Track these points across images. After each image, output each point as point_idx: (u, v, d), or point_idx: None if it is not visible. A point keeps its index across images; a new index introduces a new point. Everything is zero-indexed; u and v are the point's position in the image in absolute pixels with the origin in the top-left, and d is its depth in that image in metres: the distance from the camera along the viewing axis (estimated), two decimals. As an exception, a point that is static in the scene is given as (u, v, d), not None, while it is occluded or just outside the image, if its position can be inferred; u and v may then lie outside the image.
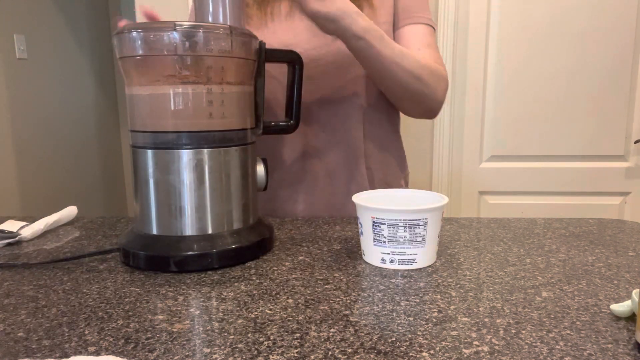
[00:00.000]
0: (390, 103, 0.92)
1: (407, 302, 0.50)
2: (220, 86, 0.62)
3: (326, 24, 0.70)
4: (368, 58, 0.75)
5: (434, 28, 0.90)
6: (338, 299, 0.51)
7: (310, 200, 0.90)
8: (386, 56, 0.75)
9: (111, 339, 0.43)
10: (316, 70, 0.84)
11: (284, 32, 0.85)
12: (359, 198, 0.64)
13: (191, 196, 0.61)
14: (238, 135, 0.65)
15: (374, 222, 0.60)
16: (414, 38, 0.86)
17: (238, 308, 0.50)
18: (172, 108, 0.61)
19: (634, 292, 0.45)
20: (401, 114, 0.96)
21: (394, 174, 0.96)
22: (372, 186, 0.92)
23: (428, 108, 0.86)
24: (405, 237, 0.59)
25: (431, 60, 0.84)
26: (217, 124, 0.63)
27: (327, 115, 0.88)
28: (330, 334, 0.44)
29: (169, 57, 0.60)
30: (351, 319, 0.47)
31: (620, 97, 1.85)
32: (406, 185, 1.01)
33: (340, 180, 0.90)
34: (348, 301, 0.51)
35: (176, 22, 0.60)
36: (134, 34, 0.60)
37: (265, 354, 0.41)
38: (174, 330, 0.45)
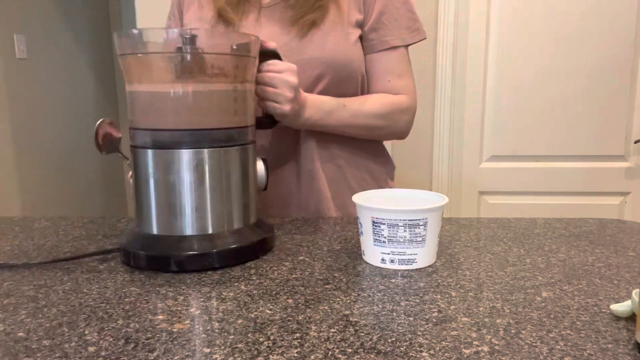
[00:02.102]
0: None
1: (407, 302, 0.50)
2: (223, 84, 0.62)
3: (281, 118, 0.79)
4: (320, 129, 0.86)
5: (407, 46, 0.92)
6: (338, 299, 0.51)
7: (285, 202, 0.91)
8: (335, 125, 0.86)
9: (111, 339, 0.43)
10: None
11: None
12: (359, 198, 0.64)
13: (191, 196, 0.61)
14: (240, 133, 0.65)
15: (374, 222, 0.60)
16: (385, 69, 0.91)
17: (238, 308, 0.50)
18: (174, 106, 0.61)
19: (634, 292, 0.45)
20: None
21: (376, 171, 0.96)
22: (350, 184, 0.93)
23: (393, 138, 0.96)
24: (405, 237, 0.59)
25: (392, 98, 0.90)
26: (220, 122, 0.63)
27: (285, 145, 0.89)
28: (330, 334, 0.44)
29: (170, 55, 0.60)
30: (351, 319, 0.47)
31: (620, 97, 1.85)
32: (392, 181, 1.01)
33: (313, 180, 0.90)
34: (348, 301, 0.51)
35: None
36: (135, 31, 0.60)
37: (265, 354, 0.41)
38: (174, 330, 0.45)
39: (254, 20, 0.87)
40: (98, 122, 0.68)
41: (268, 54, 0.74)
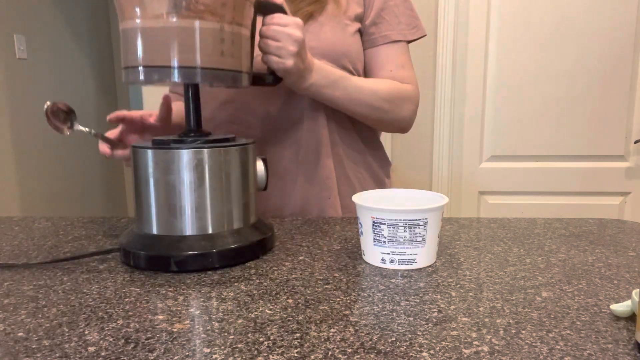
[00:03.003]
0: None
1: (407, 302, 0.50)
2: (220, 24, 0.62)
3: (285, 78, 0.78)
4: (321, 100, 0.84)
5: (408, 42, 0.92)
6: (338, 299, 0.51)
7: (284, 200, 0.91)
8: (338, 97, 0.83)
9: (111, 339, 0.43)
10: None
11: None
12: (359, 198, 0.64)
13: (191, 196, 0.61)
14: (231, 76, 0.65)
15: (374, 222, 0.60)
16: (387, 60, 0.90)
17: (238, 308, 0.50)
18: (169, 42, 0.60)
19: (634, 292, 0.45)
20: None
21: (372, 167, 0.96)
22: (346, 182, 0.92)
23: (396, 128, 0.93)
24: (405, 237, 0.59)
25: (397, 84, 0.89)
26: (212, 61, 0.62)
27: (290, 114, 0.88)
28: (330, 334, 0.44)
29: None
30: (351, 319, 0.47)
31: (620, 97, 1.85)
32: (388, 178, 1.01)
33: (308, 178, 0.90)
34: (348, 301, 0.51)
35: None
36: None
37: (265, 354, 0.41)
38: (174, 330, 0.45)
39: None
40: (45, 107, 0.71)
41: (274, 9, 0.73)
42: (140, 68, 0.62)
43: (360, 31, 0.90)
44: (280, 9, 0.73)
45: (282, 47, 0.72)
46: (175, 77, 0.61)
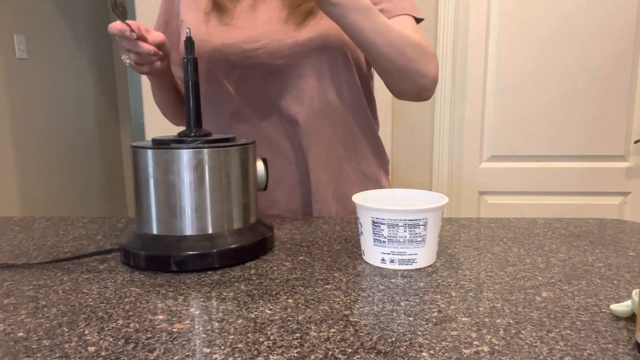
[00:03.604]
0: (362, 91, 0.92)
1: (407, 302, 0.50)
2: None
3: None
4: (346, 27, 0.76)
5: (416, 18, 0.88)
6: (338, 299, 0.51)
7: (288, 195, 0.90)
8: (365, 28, 0.76)
9: (111, 339, 0.43)
10: (283, 61, 0.85)
11: (250, 27, 0.86)
12: (359, 198, 0.64)
13: (191, 196, 0.61)
14: None
15: (374, 222, 0.60)
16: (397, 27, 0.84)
17: (238, 308, 0.50)
18: None
19: (634, 292, 0.45)
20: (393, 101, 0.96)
21: (370, 163, 0.96)
22: (345, 175, 0.92)
23: (420, 86, 0.84)
24: (405, 237, 0.59)
25: (422, 40, 0.83)
26: None
27: (293, 105, 0.88)
28: (330, 334, 0.44)
29: None
30: (351, 319, 0.47)
31: (620, 97, 1.85)
32: (386, 174, 1.00)
33: (315, 178, 0.90)
34: (348, 301, 0.51)
35: None
36: None
37: (265, 354, 0.41)
38: (174, 330, 0.45)
39: (249, 6, 0.87)
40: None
41: None
42: None
43: None
44: None
45: None
46: None
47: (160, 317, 0.48)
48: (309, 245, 0.70)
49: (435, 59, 0.86)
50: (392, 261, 0.60)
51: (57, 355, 0.41)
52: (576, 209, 1.92)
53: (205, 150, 0.61)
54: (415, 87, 0.85)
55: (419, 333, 0.44)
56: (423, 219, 0.58)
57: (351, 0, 0.74)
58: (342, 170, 0.92)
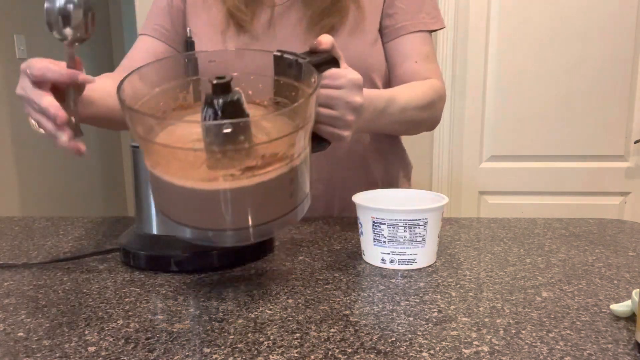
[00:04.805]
0: None
1: (407, 302, 0.50)
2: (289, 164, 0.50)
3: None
4: (367, 131, 0.81)
5: (431, 31, 0.87)
6: (338, 299, 0.51)
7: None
8: (384, 124, 0.75)
9: (111, 339, 0.43)
10: None
11: (268, 47, 0.81)
12: (359, 198, 0.64)
13: (191, 196, 0.61)
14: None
15: (374, 222, 0.60)
16: (412, 50, 0.84)
17: (238, 308, 0.50)
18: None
19: (634, 292, 0.45)
20: None
21: (395, 170, 0.95)
22: (373, 183, 0.91)
23: (427, 129, 0.86)
24: (405, 237, 0.59)
25: (430, 85, 0.81)
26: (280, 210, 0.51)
27: None
28: (330, 334, 0.44)
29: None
30: (351, 319, 0.47)
31: (620, 97, 1.85)
32: (409, 182, 0.99)
33: (341, 178, 0.89)
34: (348, 301, 0.51)
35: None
36: None
37: (265, 354, 0.41)
38: (174, 330, 0.45)
39: (267, 21, 0.82)
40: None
41: (324, 61, 0.59)
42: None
43: (380, 31, 0.84)
44: (332, 61, 0.59)
45: (338, 117, 0.60)
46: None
47: (160, 317, 0.48)
48: (309, 245, 0.70)
49: (444, 97, 0.85)
50: (392, 261, 0.60)
51: (57, 355, 0.41)
52: (576, 209, 1.92)
53: (205, 150, 0.61)
54: (423, 131, 0.87)
55: (419, 333, 0.44)
56: (423, 219, 0.58)
57: (370, 114, 0.67)
58: (369, 173, 0.90)
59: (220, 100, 0.47)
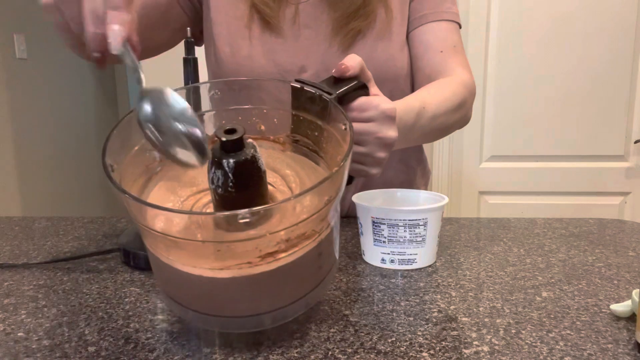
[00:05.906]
0: None
1: (407, 302, 0.50)
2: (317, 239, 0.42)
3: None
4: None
5: (459, 24, 0.82)
6: (338, 299, 0.51)
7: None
8: (414, 139, 0.70)
9: (111, 339, 0.43)
10: None
11: (293, 45, 0.77)
12: (359, 198, 0.64)
13: (191, 196, 0.61)
14: None
15: (374, 222, 0.60)
16: (435, 39, 0.78)
17: (238, 308, 0.50)
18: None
19: (634, 292, 0.45)
20: None
21: (414, 177, 0.93)
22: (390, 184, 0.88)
23: (458, 129, 0.81)
24: (405, 237, 0.59)
25: (458, 83, 0.75)
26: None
27: None
28: (330, 334, 0.44)
29: None
30: (351, 319, 0.47)
31: (620, 97, 1.85)
32: (425, 187, 0.97)
33: (360, 184, 0.86)
34: (348, 301, 0.51)
35: None
36: None
37: (265, 354, 0.40)
38: (174, 330, 0.45)
39: (291, 19, 0.77)
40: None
41: (351, 89, 0.51)
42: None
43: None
44: (360, 88, 0.52)
45: (367, 153, 0.54)
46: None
47: (160, 317, 0.48)
48: (309, 245, 0.70)
49: (473, 93, 0.79)
50: (392, 261, 0.60)
51: (57, 355, 0.41)
52: (576, 209, 1.92)
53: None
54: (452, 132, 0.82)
55: (419, 333, 0.44)
56: (423, 219, 0.58)
57: (399, 134, 0.59)
58: (388, 183, 0.88)
59: (231, 161, 0.39)
